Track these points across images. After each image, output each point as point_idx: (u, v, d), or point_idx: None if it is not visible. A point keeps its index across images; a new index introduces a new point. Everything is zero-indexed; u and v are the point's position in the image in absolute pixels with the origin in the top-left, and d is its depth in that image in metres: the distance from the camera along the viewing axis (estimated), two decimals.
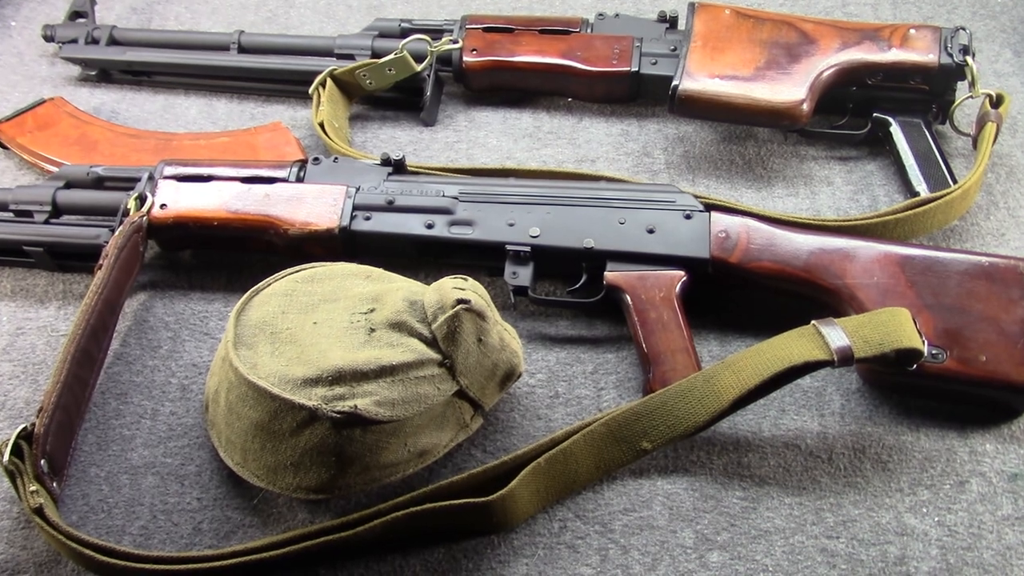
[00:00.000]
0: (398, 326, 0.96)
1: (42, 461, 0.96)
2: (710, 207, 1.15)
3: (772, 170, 1.34)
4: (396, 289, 1.01)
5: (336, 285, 1.03)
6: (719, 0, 1.39)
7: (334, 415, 0.91)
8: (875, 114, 1.32)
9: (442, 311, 0.95)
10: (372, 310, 0.99)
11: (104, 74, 1.51)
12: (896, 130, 1.30)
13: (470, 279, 1.00)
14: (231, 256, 1.24)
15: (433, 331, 0.96)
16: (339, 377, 0.92)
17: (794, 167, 1.34)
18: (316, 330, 0.98)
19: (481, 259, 1.18)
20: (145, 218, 1.17)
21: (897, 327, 0.98)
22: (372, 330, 0.97)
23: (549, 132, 1.41)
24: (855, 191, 1.31)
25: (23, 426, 0.96)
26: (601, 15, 1.42)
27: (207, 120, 1.45)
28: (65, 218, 1.21)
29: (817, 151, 1.36)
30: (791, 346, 0.98)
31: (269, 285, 1.04)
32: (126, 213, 1.17)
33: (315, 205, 1.17)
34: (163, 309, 1.19)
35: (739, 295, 1.16)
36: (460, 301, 0.95)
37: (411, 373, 0.94)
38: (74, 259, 1.21)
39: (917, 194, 1.24)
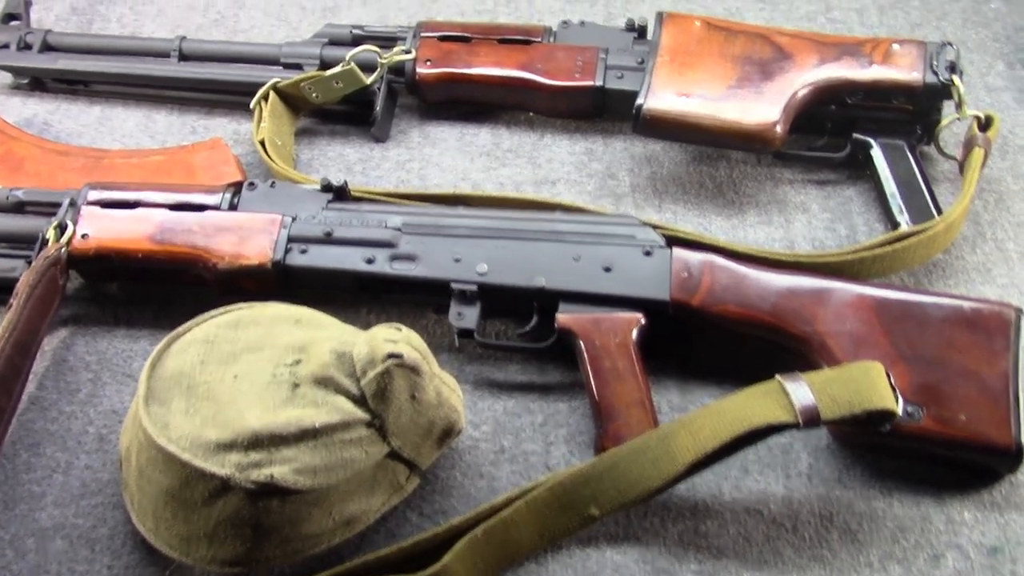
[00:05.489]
0: (324, 382, 0.88)
1: None
2: (672, 241, 1.06)
3: (744, 195, 1.24)
4: (326, 339, 0.92)
5: (262, 332, 0.94)
6: (692, 9, 1.29)
7: (248, 485, 0.83)
8: (855, 135, 1.22)
9: (372, 366, 0.87)
10: (298, 362, 0.90)
11: (37, 82, 1.41)
12: (877, 153, 1.20)
13: (404, 328, 0.91)
14: (161, 289, 1.15)
15: (362, 388, 0.88)
16: (256, 442, 0.84)
17: (768, 191, 1.25)
18: (236, 385, 0.89)
19: (425, 296, 1.08)
20: (64, 250, 1.08)
21: (869, 384, 0.89)
22: (296, 385, 0.88)
23: (508, 150, 1.31)
24: (832, 219, 1.21)
25: None
26: (565, 23, 1.32)
27: (145, 134, 1.36)
28: None
29: (793, 174, 1.27)
30: (753, 405, 0.89)
31: (190, 330, 0.96)
32: (44, 243, 1.08)
33: (247, 237, 1.08)
34: (85, 348, 1.11)
35: (703, 336, 1.07)
36: (391, 355, 0.87)
37: (336, 436, 0.86)
38: None
39: (898, 224, 1.15)
